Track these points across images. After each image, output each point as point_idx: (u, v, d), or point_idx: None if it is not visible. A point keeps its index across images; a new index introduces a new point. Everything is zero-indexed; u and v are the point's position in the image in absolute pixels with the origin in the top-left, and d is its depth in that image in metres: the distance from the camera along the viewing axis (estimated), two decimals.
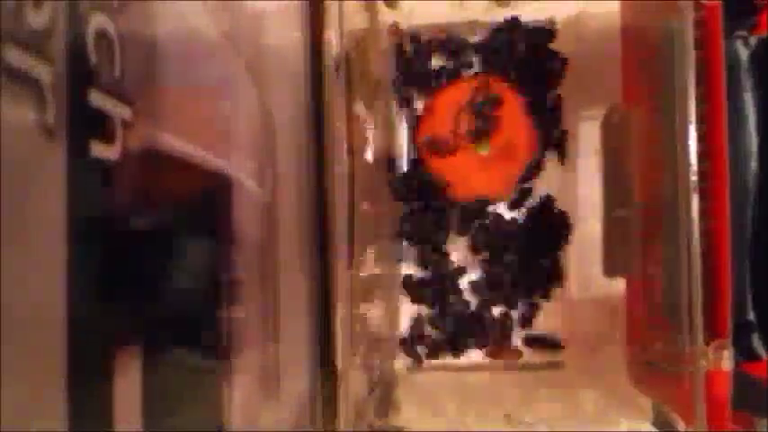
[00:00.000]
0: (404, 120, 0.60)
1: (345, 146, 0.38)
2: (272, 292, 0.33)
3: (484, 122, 0.57)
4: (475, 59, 0.60)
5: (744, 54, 0.41)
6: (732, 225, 0.39)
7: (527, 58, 0.59)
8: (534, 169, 0.59)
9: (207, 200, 0.27)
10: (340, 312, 0.37)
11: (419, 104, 0.60)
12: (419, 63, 0.60)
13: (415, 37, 0.60)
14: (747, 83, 0.41)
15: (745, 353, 0.40)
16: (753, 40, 0.41)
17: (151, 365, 0.21)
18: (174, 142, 0.23)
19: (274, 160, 0.33)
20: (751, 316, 0.40)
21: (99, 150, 0.18)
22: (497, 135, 0.57)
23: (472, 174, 0.57)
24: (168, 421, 0.22)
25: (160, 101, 0.22)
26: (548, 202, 0.59)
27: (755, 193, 0.40)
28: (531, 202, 0.59)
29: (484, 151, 0.56)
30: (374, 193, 0.52)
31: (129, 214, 0.20)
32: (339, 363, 0.37)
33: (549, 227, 0.59)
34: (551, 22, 0.59)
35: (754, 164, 0.41)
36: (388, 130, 0.59)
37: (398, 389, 0.55)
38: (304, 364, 0.37)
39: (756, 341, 0.40)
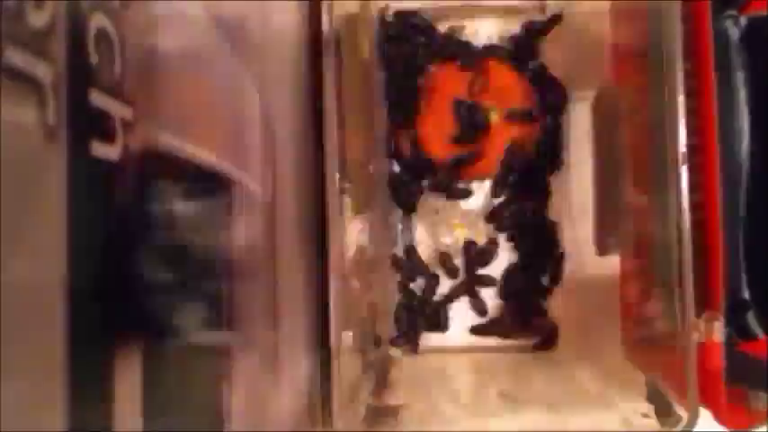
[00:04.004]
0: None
1: (345, 146, 0.38)
2: (272, 291, 0.33)
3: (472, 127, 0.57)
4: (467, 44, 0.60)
5: (734, 33, 0.41)
6: (725, 202, 0.39)
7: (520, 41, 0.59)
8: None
9: (207, 199, 0.27)
10: (333, 288, 0.37)
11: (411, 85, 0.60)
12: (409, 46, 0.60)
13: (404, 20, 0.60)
14: (738, 62, 0.41)
15: (740, 332, 0.40)
16: (743, 20, 0.41)
17: (151, 364, 0.21)
18: (174, 142, 0.23)
19: (274, 160, 0.33)
20: (746, 295, 0.40)
21: (99, 150, 0.18)
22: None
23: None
24: (168, 419, 0.22)
25: (160, 101, 0.22)
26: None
27: (747, 169, 0.41)
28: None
29: (494, 118, 0.57)
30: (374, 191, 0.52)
31: (130, 214, 0.20)
32: (333, 345, 0.37)
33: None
34: (543, 4, 0.59)
35: (745, 142, 0.41)
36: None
37: (393, 370, 0.56)
38: (303, 365, 0.37)
39: (752, 320, 0.40)
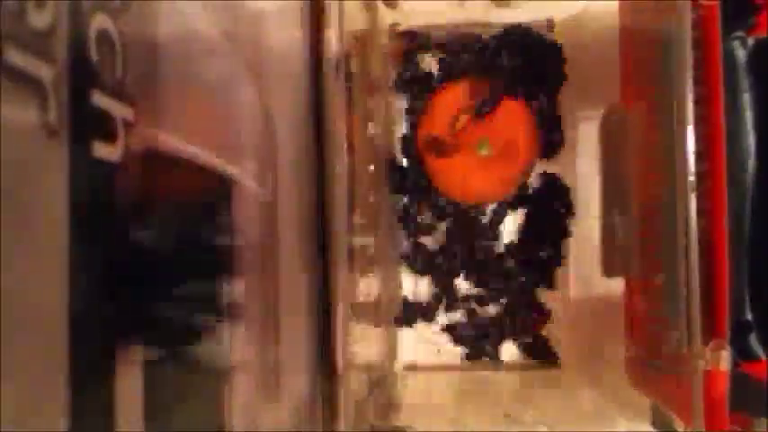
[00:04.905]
0: (404, 120, 0.60)
1: (345, 146, 0.38)
2: (273, 292, 0.33)
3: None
4: (475, 60, 0.60)
5: (741, 54, 0.41)
6: (730, 225, 0.39)
7: (527, 59, 0.59)
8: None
9: (208, 200, 0.27)
10: (340, 312, 0.37)
11: (419, 105, 0.60)
12: (418, 64, 0.61)
13: (414, 38, 0.60)
14: (745, 83, 0.41)
15: (742, 353, 0.40)
16: (750, 41, 0.41)
17: (152, 365, 0.21)
18: (175, 142, 0.23)
19: (274, 160, 0.33)
20: (748, 315, 0.40)
21: (100, 151, 0.18)
22: (498, 136, 0.57)
23: (472, 175, 0.57)
24: (169, 421, 0.22)
25: (161, 101, 0.22)
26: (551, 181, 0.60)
27: (753, 192, 0.40)
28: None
29: (485, 152, 0.56)
30: (374, 191, 0.52)
31: (131, 214, 0.20)
32: (339, 363, 0.37)
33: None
34: (550, 22, 0.59)
35: (751, 164, 0.41)
36: (388, 129, 0.59)
37: (398, 389, 0.55)
38: (304, 364, 0.37)
39: (754, 341, 0.40)
